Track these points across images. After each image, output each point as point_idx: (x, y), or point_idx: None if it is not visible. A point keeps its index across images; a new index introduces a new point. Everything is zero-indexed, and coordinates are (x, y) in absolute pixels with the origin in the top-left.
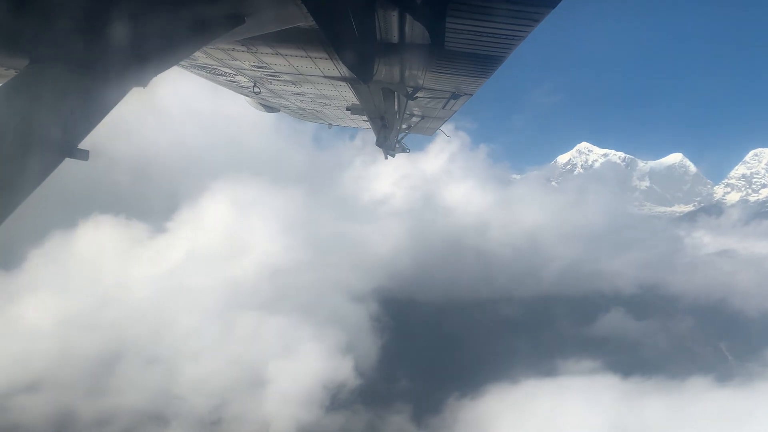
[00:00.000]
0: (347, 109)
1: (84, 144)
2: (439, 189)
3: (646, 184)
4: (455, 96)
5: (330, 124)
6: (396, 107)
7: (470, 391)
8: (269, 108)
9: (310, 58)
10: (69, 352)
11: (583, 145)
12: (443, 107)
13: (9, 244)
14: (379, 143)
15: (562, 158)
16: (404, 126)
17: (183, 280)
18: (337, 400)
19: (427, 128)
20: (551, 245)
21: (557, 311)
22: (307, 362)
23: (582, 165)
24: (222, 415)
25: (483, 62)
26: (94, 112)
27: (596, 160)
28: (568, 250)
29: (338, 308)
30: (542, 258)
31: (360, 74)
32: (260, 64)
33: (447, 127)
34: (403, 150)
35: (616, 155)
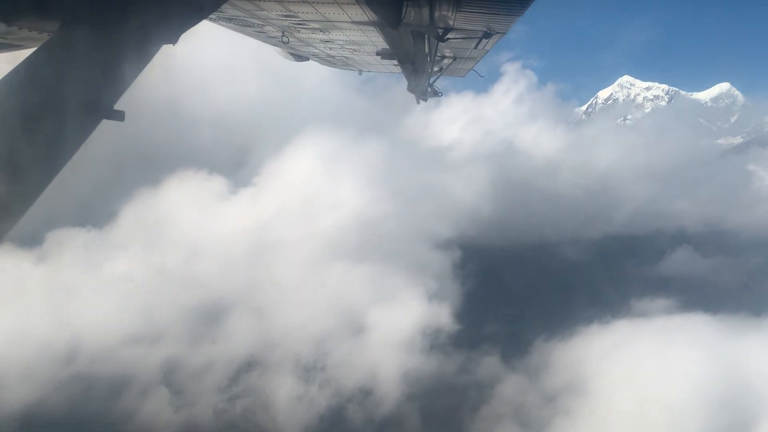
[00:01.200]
0: (377, 54)
1: (120, 104)
2: (508, 131)
3: (691, 116)
4: (487, 35)
5: (360, 71)
6: (426, 50)
7: (557, 333)
8: (298, 57)
9: (338, 4)
10: (168, 305)
11: (625, 79)
12: (475, 47)
13: (99, 203)
14: (411, 88)
15: (603, 93)
16: (436, 69)
17: (273, 232)
18: (433, 345)
19: (459, 69)
20: (622, 185)
21: (626, 251)
22: (401, 309)
23: (624, 99)
24: (326, 362)
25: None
26: (126, 72)
27: (638, 94)
28: (637, 189)
29: (423, 256)
30: (612, 198)
31: (388, 19)
32: (288, 13)
33: (480, 68)
34: (435, 94)
35: (660, 88)
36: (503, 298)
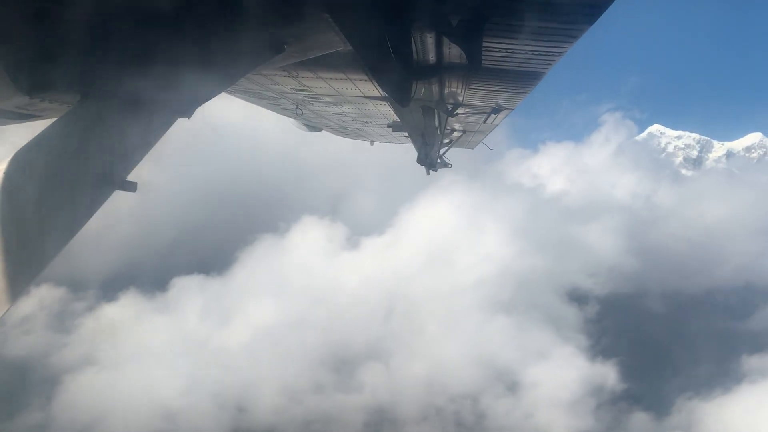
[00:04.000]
0: (388, 126)
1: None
2: (614, 184)
3: (722, 166)
4: (496, 111)
5: (372, 141)
6: (436, 123)
7: (701, 392)
8: (312, 128)
9: (350, 80)
10: (295, 353)
11: (655, 128)
12: (484, 121)
13: (222, 250)
14: (420, 160)
15: None
16: (446, 141)
17: (403, 282)
18: (596, 405)
19: (469, 142)
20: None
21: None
22: (549, 365)
23: (654, 148)
24: (486, 422)
25: (522, 78)
26: (140, 145)
27: (669, 143)
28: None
29: (556, 309)
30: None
31: (398, 98)
32: (301, 88)
33: (489, 140)
34: (445, 165)
35: (690, 137)
36: (641, 353)
